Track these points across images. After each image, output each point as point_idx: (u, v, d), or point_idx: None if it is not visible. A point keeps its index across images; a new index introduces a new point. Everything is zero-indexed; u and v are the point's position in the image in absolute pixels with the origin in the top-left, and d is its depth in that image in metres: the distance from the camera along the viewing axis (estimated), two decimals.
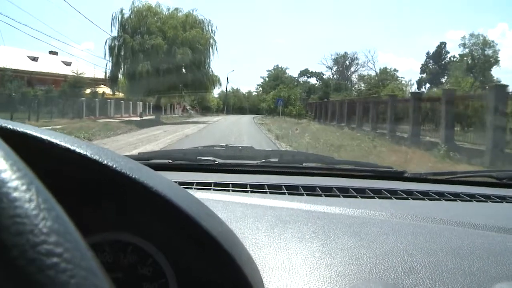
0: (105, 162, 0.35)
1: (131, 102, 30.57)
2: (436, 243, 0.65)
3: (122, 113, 27.55)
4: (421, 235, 0.68)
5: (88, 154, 0.34)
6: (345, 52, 52.59)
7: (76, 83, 22.78)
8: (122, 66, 25.32)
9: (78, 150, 0.34)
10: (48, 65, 25.89)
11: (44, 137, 0.33)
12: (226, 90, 57.54)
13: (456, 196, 1.03)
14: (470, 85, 28.28)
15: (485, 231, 0.73)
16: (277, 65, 59.98)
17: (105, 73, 24.30)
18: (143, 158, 1.34)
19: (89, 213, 0.38)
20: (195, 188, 0.98)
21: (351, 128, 16.61)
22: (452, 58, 46.29)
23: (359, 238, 0.65)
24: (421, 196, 1.02)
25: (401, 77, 48.05)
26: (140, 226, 0.40)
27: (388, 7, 62.14)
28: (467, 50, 38.08)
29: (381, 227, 0.72)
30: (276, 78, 57.53)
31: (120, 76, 25.42)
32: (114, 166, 0.35)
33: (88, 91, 24.47)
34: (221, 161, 1.40)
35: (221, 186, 1.02)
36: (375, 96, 18.30)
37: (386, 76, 46.22)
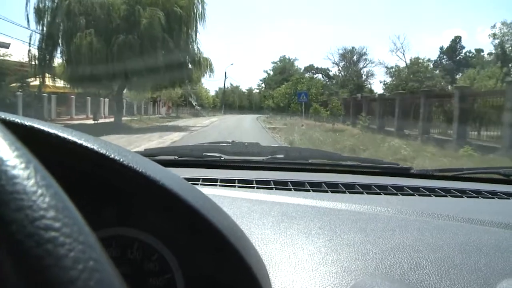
0: (112, 156, 0.36)
1: (89, 98, 22.93)
2: (442, 239, 0.70)
3: (73, 114, 21.06)
4: (428, 231, 0.73)
5: (95, 148, 0.36)
6: (353, 47, 47.36)
7: None
8: (59, 42, 13.12)
9: (85, 143, 0.35)
10: None
11: (52, 131, 0.35)
12: (224, 86, 47.13)
13: (462, 193, 1.07)
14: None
15: (492, 227, 0.78)
16: (284, 56, 49.04)
17: (29, 52, 12.40)
18: (149, 155, 1.34)
19: (95, 207, 0.40)
20: (201, 184, 1.05)
21: (479, 148, 9.22)
22: (467, 53, 43.74)
23: (365, 234, 0.70)
24: (428, 193, 1.07)
25: (435, 69, 42.14)
26: (146, 221, 0.44)
27: (387, 5, 64.00)
28: (497, 40, 33.67)
29: (387, 223, 0.77)
30: (283, 71, 47.73)
31: (59, 56, 13.91)
32: (120, 159, 0.36)
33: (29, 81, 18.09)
34: (227, 157, 1.43)
35: (227, 182, 1.08)
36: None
37: (419, 68, 34.21)
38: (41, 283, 0.18)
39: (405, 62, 42.70)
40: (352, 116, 19.18)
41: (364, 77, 45.63)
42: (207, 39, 73.17)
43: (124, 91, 21.93)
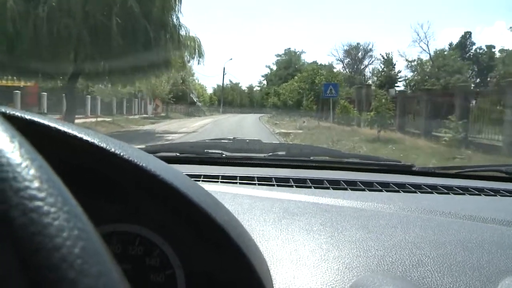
0: (113, 149, 0.36)
1: (45, 93, 17.30)
2: (444, 236, 0.70)
3: None
4: (429, 228, 0.74)
5: (96, 142, 0.36)
6: (358, 43, 43.62)
7: None
8: None
9: (85, 137, 0.36)
10: None
11: (52, 124, 0.35)
12: (223, 82, 41.29)
13: (464, 190, 1.08)
14: None
15: (494, 225, 0.79)
16: (289, 48, 43.42)
17: None
18: (150, 151, 1.33)
19: (97, 203, 0.40)
20: (202, 181, 1.06)
21: None
22: (478, 50, 38.42)
23: (367, 231, 0.71)
24: (430, 190, 1.07)
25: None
26: (147, 216, 0.45)
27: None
28: None
29: (389, 220, 0.78)
30: (289, 66, 41.92)
31: None
32: (121, 154, 0.36)
33: None
34: (228, 154, 1.43)
35: (228, 179, 1.09)
36: None
37: (446, 61, 27.94)
38: (27, 250, 0.19)
39: (429, 54, 36.60)
40: (400, 119, 13.18)
41: (369, 74, 40.43)
42: (204, 30, 67.48)
43: (100, 85, 16.01)
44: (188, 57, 15.42)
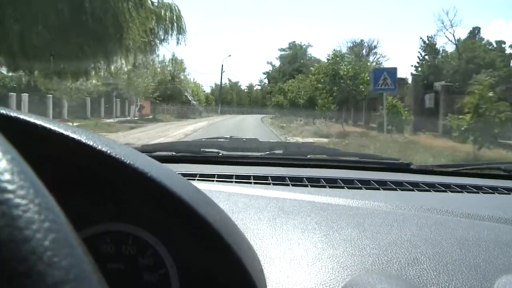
0: (99, 147, 0.36)
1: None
2: (441, 234, 0.71)
3: None
4: (426, 226, 0.75)
5: (83, 140, 0.36)
6: (361, 40, 40.95)
7: None
8: None
9: (72, 135, 0.36)
10: None
11: (38, 122, 0.35)
12: (221, 80, 36.68)
13: (462, 188, 1.08)
14: None
15: (492, 223, 0.79)
16: (294, 42, 38.91)
17: None
18: (147, 150, 1.36)
19: (88, 202, 0.41)
20: (198, 180, 1.05)
21: None
22: (487, 46, 32.50)
23: (362, 229, 0.71)
24: (427, 188, 1.08)
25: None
26: (140, 215, 0.45)
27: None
28: None
29: (385, 218, 0.78)
30: (294, 61, 36.72)
31: None
32: (109, 151, 0.36)
33: None
34: (225, 153, 1.42)
35: (224, 178, 1.10)
36: None
37: (476, 53, 21.65)
38: None
39: (455, 44, 31.33)
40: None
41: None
42: (201, 25, 62.94)
43: (44, 80, 11.29)
44: (162, 34, 10.43)
